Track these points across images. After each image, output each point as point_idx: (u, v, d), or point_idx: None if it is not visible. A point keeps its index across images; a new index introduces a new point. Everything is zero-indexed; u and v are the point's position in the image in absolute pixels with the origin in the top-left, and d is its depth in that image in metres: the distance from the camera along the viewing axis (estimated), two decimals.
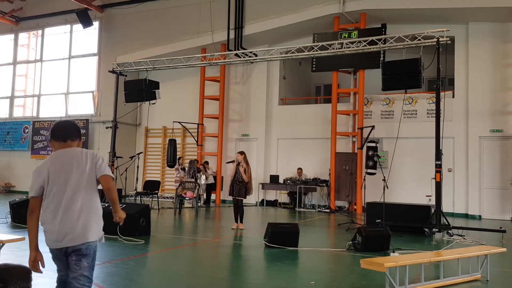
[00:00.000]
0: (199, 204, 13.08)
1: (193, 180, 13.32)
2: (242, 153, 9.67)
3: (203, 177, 14.86)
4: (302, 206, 14.83)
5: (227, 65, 16.40)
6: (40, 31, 20.45)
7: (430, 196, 10.21)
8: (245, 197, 9.60)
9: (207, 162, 15.97)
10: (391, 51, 12.29)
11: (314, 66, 15.43)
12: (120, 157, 13.09)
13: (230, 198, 9.88)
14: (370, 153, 11.35)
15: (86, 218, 2.96)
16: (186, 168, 14.42)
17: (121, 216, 3.21)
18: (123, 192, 13.75)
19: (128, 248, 7.02)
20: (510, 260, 7.00)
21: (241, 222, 9.68)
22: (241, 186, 9.43)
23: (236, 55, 13.40)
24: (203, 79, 17.02)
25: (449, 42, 9.94)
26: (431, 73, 12.49)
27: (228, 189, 9.80)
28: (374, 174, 11.34)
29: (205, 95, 17.03)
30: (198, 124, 16.97)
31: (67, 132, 3.09)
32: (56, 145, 3.08)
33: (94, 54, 19.02)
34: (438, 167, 9.38)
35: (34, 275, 2.23)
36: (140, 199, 13.36)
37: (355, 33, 14.02)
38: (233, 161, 9.75)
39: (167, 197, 17.20)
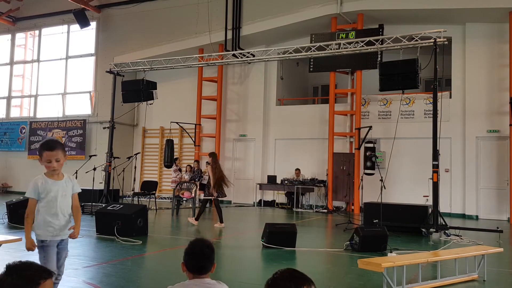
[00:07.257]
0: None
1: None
2: (210, 154, 10.18)
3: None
4: (299, 206, 14.82)
5: (224, 66, 16.41)
6: (37, 31, 20.41)
7: (427, 196, 10.20)
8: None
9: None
10: (388, 52, 12.32)
11: (311, 66, 15.45)
12: (118, 158, 13.09)
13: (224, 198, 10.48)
14: (368, 153, 11.36)
15: None
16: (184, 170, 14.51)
17: None
18: (120, 193, 13.73)
19: (126, 249, 7.01)
20: (507, 260, 7.03)
21: (222, 221, 10.18)
22: (220, 186, 9.97)
23: (234, 55, 13.38)
24: (200, 79, 17.02)
25: (446, 42, 9.97)
26: (428, 74, 12.56)
27: (215, 189, 10.03)
28: (372, 174, 11.37)
29: (203, 95, 17.03)
30: (195, 124, 16.95)
31: (206, 266, 2.55)
32: (190, 276, 2.53)
33: (91, 54, 18.99)
34: (435, 167, 9.41)
35: None
36: (138, 200, 13.35)
37: (352, 34, 14.05)
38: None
39: (165, 198, 17.18)
